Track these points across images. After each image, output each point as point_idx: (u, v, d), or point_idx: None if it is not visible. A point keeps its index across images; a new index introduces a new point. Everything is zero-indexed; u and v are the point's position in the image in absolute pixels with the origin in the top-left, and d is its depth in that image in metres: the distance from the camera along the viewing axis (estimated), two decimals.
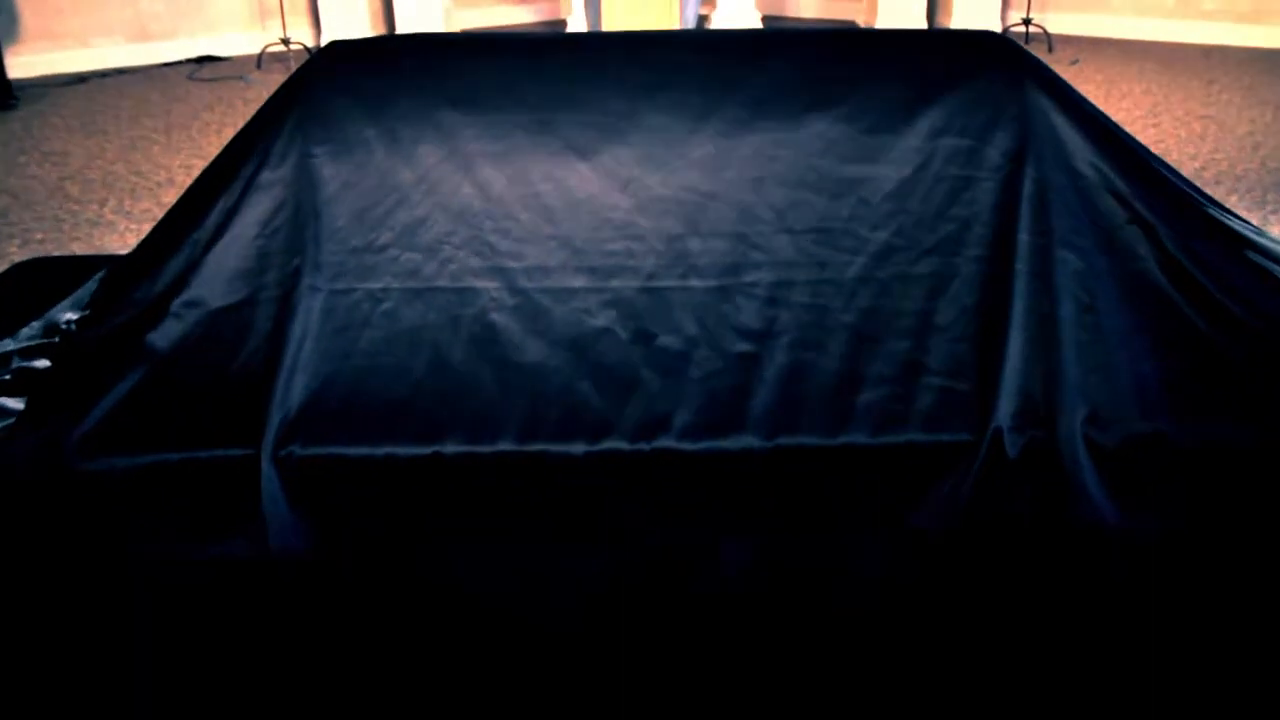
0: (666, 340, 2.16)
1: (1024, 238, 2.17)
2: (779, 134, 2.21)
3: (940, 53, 2.34)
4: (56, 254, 3.82)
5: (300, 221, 2.22)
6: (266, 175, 2.24)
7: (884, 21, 7.25)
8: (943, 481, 2.08)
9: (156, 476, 2.13)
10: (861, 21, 7.75)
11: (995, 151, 2.20)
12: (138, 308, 2.25)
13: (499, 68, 2.30)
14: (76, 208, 4.36)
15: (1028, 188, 2.19)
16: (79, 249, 3.89)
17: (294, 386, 2.14)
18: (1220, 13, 6.97)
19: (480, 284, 2.19)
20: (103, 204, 4.43)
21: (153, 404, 2.19)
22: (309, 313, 2.18)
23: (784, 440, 2.12)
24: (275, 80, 6.59)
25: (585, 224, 2.20)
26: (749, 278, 2.18)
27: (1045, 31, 6.86)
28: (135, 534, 2.03)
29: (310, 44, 7.01)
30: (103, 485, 2.12)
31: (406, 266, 2.20)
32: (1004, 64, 2.29)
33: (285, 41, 6.72)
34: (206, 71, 6.79)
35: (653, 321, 2.17)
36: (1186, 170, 4.45)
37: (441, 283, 2.20)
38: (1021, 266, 2.17)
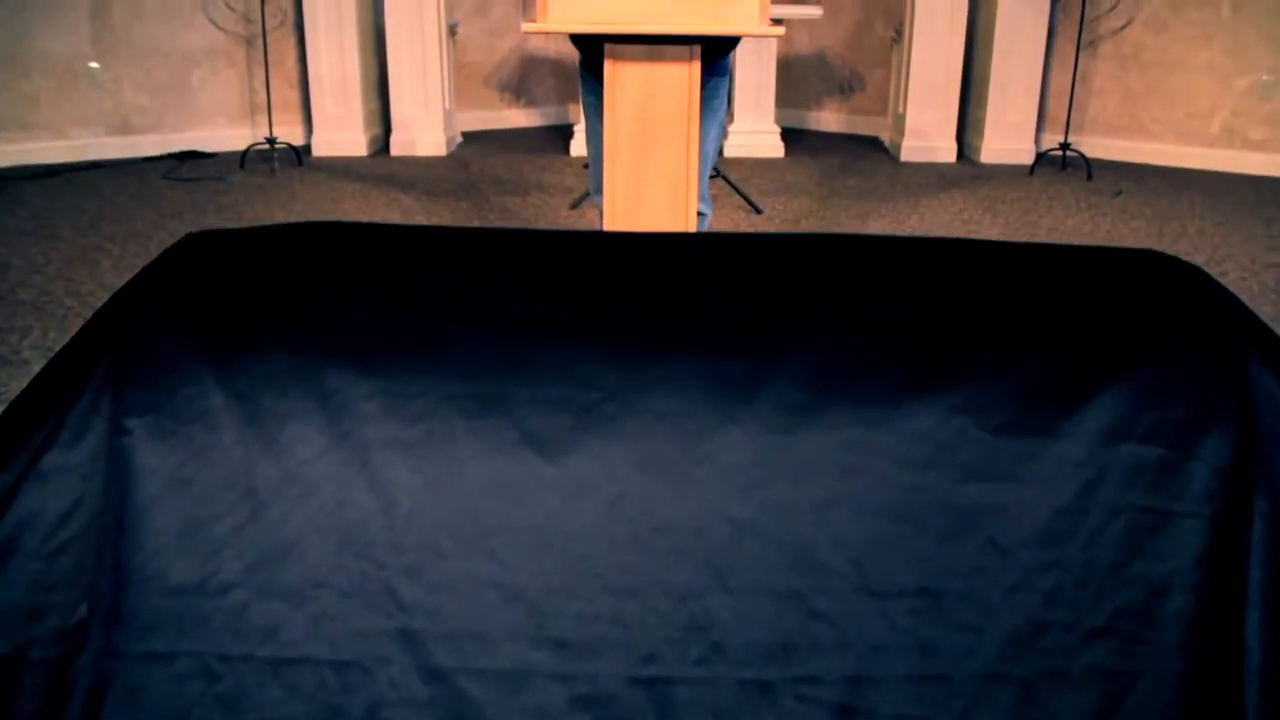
0: None
1: (1254, 616, 1.26)
2: (859, 430, 1.30)
3: (1107, 298, 1.43)
4: None
5: (98, 539, 1.31)
6: (53, 459, 1.32)
7: (910, 139, 6.39)
8: None
9: None
10: (886, 138, 6.88)
11: (1204, 468, 1.29)
12: None
13: (424, 301, 1.39)
14: None
15: (1259, 530, 1.27)
16: None
17: None
18: (1270, 143, 6.11)
19: (376, 656, 1.28)
20: (24, 335, 3.59)
21: None
22: (99, 691, 1.27)
23: None
24: (256, 183, 5.74)
25: (548, 566, 1.28)
26: (807, 667, 1.26)
27: (1083, 157, 6.01)
28: None
29: (298, 144, 6.16)
30: None
31: (260, 622, 1.28)
32: (1210, 322, 1.38)
33: (270, 141, 5.86)
34: (186, 169, 5.93)
35: None
36: None
37: (314, 651, 1.28)
38: (1252, 663, 1.25)
